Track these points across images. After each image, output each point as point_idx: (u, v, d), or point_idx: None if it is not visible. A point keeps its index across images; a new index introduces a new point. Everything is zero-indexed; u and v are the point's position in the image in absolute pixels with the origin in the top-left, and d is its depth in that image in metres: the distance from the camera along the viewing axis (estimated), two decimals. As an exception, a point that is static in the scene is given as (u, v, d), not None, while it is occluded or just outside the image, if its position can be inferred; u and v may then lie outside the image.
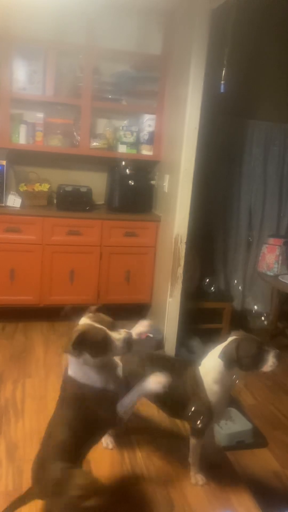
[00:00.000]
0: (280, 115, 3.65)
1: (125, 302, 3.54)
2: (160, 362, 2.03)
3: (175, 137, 3.09)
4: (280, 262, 3.21)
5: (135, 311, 3.62)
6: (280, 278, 3.16)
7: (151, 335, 3.22)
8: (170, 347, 3.23)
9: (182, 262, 3.14)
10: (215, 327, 3.57)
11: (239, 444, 2.32)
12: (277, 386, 3.07)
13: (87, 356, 1.53)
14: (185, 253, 3.13)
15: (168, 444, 2.19)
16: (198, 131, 2.93)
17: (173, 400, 1.91)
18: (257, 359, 1.76)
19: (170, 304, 3.20)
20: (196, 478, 1.93)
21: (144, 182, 3.47)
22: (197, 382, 1.84)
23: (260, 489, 2.00)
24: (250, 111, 3.57)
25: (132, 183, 3.41)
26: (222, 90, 2.49)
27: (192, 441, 1.90)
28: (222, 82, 2.49)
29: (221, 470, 2.02)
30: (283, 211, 3.84)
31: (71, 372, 1.59)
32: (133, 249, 3.41)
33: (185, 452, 2.12)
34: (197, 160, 2.99)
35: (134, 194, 3.43)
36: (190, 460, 1.93)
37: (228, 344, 1.80)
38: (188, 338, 3.40)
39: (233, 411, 2.60)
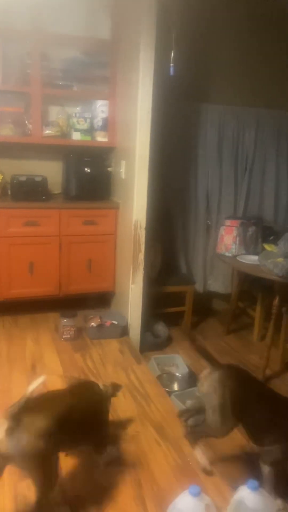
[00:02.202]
0: (232, 98, 3.69)
1: (88, 292, 3.51)
2: None
3: (129, 122, 3.07)
4: (237, 243, 3.27)
5: (98, 300, 3.62)
6: (238, 258, 3.22)
7: (115, 322, 3.22)
8: (135, 333, 3.24)
9: (142, 248, 3.15)
10: (178, 310, 3.63)
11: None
12: (242, 364, 3.15)
13: None
14: (145, 238, 3.14)
15: (135, 426, 2.21)
16: (152, 115, 2.91)
17: None
18: None
19: (133, 290, 3.21)
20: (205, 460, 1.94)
21: (100, 169, 3.43)
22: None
23: (227, 462, 2.06)
24: (202, 94, 3.59)
25: (89, 171, 3.37)
26: (171, 73, 2.48)
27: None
28: (172, 64, 2.48)
29: (188, 447, 2.07)
30: (239, 193, 3.91)
31: None
32: (93, 238, 3.38)
33: (153, 434, 2.16)
34: (152, 145, 2.99)
35: (91, 181, 3.39)
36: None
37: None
38: (152, 322, 3.43)
39: (199, 391, 2.66)
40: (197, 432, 1.96)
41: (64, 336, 3.09)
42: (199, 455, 1.94)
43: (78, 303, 3.47)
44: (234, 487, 1.63)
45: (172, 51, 2.48)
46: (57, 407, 1.59)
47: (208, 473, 1.91)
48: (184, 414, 2.15)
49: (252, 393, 1.89)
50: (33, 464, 1.48)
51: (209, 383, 1.86)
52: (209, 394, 1.85)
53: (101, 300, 3.63)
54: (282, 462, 1.82)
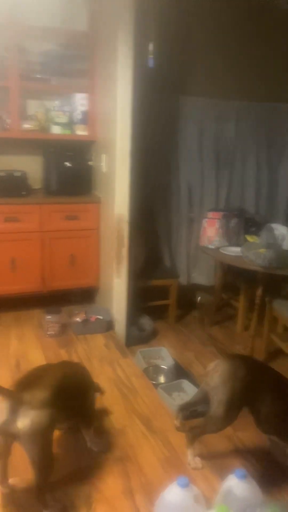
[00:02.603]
0: (212, 90, 3.68)
1: (72, 287, 3.49)
2: None
3: (109, 115, 3.04)
4: (220, 235, 3.27)
5: (83, 295, 3.60)
6: (221, 250, 3.23)
7: (100, 317, 3.21)
8: (120, 327, 3.24)
9: (126, 242, 3.14)
10: (163, 303, 3.63)
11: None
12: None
13: None
14: (129, 233, 3.13)
15: (122, 420, 2.21)
16: (132, 108, 2.89)
17: None
18: None
19: (117, 285, 3.20)
20: (195, 461, 1.93)
21: (81, 163, 3.40)
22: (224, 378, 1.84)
23: (215, 453, 2.07)
24: (182, 86, 3.58)
25: (69, 165, 3.33)
26: (151, 65, 2.46)
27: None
28: (151, 56, 2.46)
29: (176, 439, 2.07)
30: (221, 186, 3.92)
31: None
32: (75, 233, 3.35)
33: (140, 427, 2.17)
34: (133, 138, 2.96)
35: (72, 176, 3.36)
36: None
37: None
38: (137, 316, 3.43)
39: (185, 382, 2.67)
40: (194, 433, 1.94)
41: (48, 333, 3.06)
42: (191, 456, 1.94)
43: (62, 299, 3.45)
44: (223, 477, 1.65)
45: (151, 43, 2.45)
46: (51, 379, 1.62)
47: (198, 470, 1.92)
48: (184, 410, 2.13)
49: (265, 382, 1.87)
50: (39, 438, 1.50)
51: (219, 376, 1.84)
52: (218, 387, 1.83)
53: (86, 295, 3.61)
54: None
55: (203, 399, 1.95)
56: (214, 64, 3.65)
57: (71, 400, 1.70)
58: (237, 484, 1.53)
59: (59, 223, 3.28)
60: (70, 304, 3.45)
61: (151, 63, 2.47)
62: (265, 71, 3.81)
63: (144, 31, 2.64)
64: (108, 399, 2.35)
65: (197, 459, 1.94)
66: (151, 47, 2.49)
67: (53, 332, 3.07)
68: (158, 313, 3.62)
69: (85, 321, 3.15)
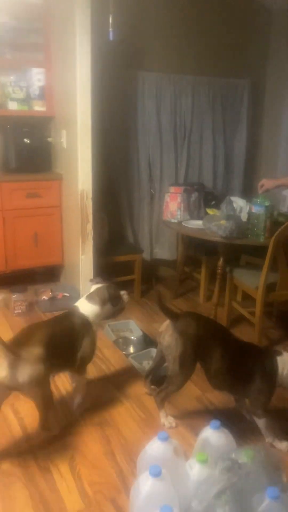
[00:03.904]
0: (169, 65, 3.71)
1: (36, 266, 3.48)
2: None
3: (68, 90, 3.01)
4: (182, 209, 3.36)
5: (47, 274, 3.60)
6: (184, 223, 3.32)
7: (67, 294, 3.23)
8: (87, 303, 3.27)
9: (90, 218, 3.15)
10: (128, 279, 3.69)
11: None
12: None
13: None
14: (93, 209, 3.14)
15: (97, 389, 2.28)
16: (91, 83, 2.88)
17: None
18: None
19: (83, 261, 3.22)
20: (168, 420, 2.04)
21: (40, 139, 3.36)
22: None
23: (187, 414, 2.19)
24: (139, 61, 3.58)
25: (28, 141, 3.28)
26: (110, 38, 2.45)
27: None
28: (110, 29, 2.45)
29: (150, 402, 2.17)
30: (179, 161, 3.99)
31: None
32: (38, 211, 3.33)
33: (115, 394, 2.25)
34: (93, 114, 2.96)
35: (31, 153, 3.31)
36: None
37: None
38: (103, 292, 3.47)
39: (154, 351, 2.76)
40: (161, 395, 2.04)
41: (16, 312, 3.05)
42: (164, 417, 2.05)
43: (26, 278, 3.43)
44: (196, 433, 1.76)
45: (111, 15, 2.44)
46: (42, 336, 1.81)
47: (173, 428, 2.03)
48: (149, 375, 2.23)
49: (214, 338, 1.97)
50: (38, 387, 1.74)
51: (170, 335, 1.94)
52: (171, 345, 1.93)
53: (50, 274, 3.61)
54: (267, 404, 1.95)
55: (162, 360, 2.08)
56: (171, 38, 3.67)
57: (61, 352, 1.89)
58: (213, 434, 1.65)
59: (20, 201, 3.24)
60: (34, 283, 3.44)
61: (111, 35, 2.45)
62: (220, 47, 3.88)
63: (102, 1, 2.61)
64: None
65: (170, 418, 2.05)
66: (111, 19, 2.47)
67: (20, 311, 3.06)
68: (123, 288, 3.66)
69: (52, 299, 3.16)
